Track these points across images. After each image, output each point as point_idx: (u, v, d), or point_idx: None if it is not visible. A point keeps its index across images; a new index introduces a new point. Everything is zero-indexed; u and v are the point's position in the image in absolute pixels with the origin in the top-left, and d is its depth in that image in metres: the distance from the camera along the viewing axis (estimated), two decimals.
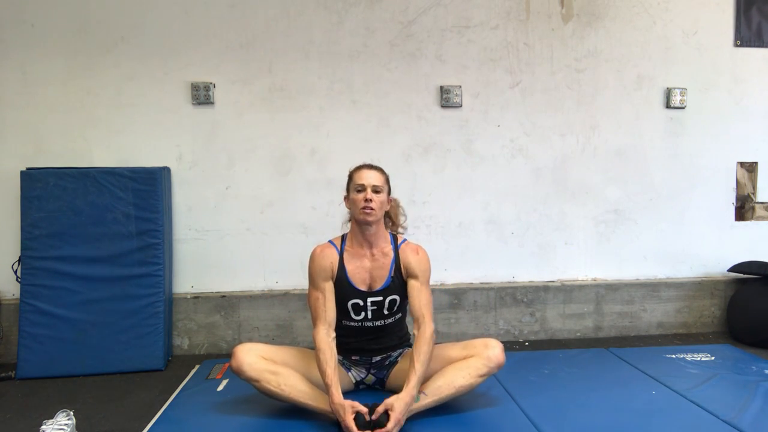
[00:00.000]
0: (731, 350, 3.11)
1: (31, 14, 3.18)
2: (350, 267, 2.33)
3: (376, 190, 2.28)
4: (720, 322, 3.64)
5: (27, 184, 3.04)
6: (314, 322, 2.29)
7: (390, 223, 2.49)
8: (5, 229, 3.16)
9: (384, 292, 2.34)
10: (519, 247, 3.55)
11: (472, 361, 2.24)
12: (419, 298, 2.31)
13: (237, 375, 2.23)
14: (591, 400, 2.41)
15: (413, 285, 2.33)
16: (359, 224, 2.33)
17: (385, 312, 2.36)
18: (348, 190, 2.36)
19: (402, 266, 2.35)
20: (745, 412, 2.25)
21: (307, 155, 3.38)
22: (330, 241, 2.40)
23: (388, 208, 2.40)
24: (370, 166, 2.36)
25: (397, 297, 2.35)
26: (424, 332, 2.22)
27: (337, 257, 2.34)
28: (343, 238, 2.40)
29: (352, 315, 2.34)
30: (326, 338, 2.23)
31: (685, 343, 3.41)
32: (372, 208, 2.26)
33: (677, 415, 2.26)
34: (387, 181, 2.37)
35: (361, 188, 2.28)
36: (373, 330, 2.38)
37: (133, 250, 3.07)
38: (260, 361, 2.22)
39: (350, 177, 2.37)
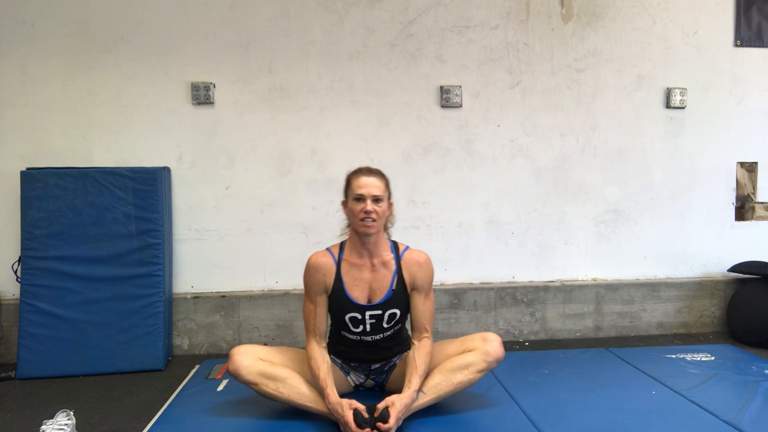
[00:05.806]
0: (731, 350, 3.11)
1: (31, 14, 3.18)
2: (348, 279, 2.22)
3: (376, 200, 2.14)
4: (720, 322, 3.64)
5: (27, 184, 3.05)
6: (306, 333, 2.27)
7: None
8: (5, 229, 3.17)
9: (384, 305, 2.22)
10: (519, 247, 3.55)
11: (470, 357, 2.20)
12: (423, 311, 2.26)
13: (234, 378, 2.21)
14: (591, 400, 2.41)
15: (417, 297, 2.26)
16: (358, 234, 2.20)
17: (385, 325, 2.26)
18: (346, 195, 2.23)
19: (405, 277, 2.24)
20: (745, 412, 2.25)
21: (307, 155, 3.38)
22: (328, 249, 2.29)
23: (389, 214, 2.27)
24: (369, 171, 2.19)
25: (397, 311, 2.24)
26: (425, 345, 2.22)
27: (333, 268, 2.23)
28: (342, 245, 2.28)
29: (351, 328, 2.26)
30: (317, 348, 2.22)
31: (685, 343, 3.41)
32: (373, 220, 2.13)
33: (677, 415, 2.26)
34: (387, 186, 2.22)
35: (360, 198, 2.14)
36: (372, 343, 2.30)
37: (133, 250, 3.07)
38: (258, 363, 2.18)
39: (348, 182, 2.22)
